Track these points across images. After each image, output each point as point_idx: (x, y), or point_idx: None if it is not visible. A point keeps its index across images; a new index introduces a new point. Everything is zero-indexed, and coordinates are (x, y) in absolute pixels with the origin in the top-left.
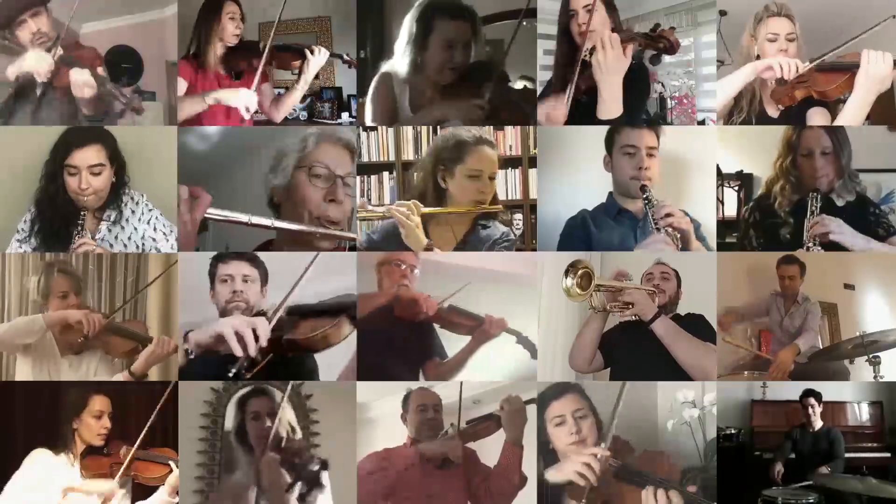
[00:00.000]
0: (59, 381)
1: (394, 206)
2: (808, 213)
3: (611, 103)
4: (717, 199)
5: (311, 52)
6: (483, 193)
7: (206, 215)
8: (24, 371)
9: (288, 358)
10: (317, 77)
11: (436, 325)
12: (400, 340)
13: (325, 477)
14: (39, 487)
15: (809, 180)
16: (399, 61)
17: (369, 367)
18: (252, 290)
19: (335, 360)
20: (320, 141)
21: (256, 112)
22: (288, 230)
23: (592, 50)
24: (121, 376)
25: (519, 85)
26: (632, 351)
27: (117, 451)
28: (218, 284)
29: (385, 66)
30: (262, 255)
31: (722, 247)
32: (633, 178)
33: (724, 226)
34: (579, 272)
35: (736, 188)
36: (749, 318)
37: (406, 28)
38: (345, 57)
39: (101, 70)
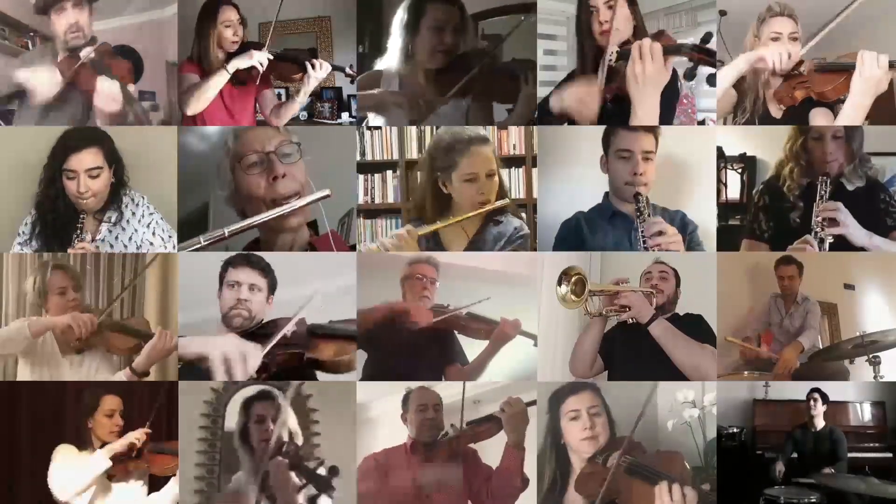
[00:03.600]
0: (67, 381)
1: (387, 240)
2: (817, 198)
3: (644, 119)
4: (720, 181)
5: (313, 67)
6: (483, 194)
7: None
8: (24, 372)
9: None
10: None
11: (455, 332)
12: (420, 348)
13: (335, 483)
14: (78, 475)
15: (820, 164)
16: (391, 53)
17: (393, 375)
18: (257, 299)
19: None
20: (238, 134)
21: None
22: (257, 224)
23: (619, 54)
24: (122, 374)
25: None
26: (631, 353)
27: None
28: (225, 288)
29: (378, 64)
30: (276, 257)
31: (724, 230)
32: (628, 184)
33: (726, 208)
34: (572, 279)
35: (739, 170)
36: (759, 328)
37: (398, 16)
38: (347, 70)
39: (132, 87)
